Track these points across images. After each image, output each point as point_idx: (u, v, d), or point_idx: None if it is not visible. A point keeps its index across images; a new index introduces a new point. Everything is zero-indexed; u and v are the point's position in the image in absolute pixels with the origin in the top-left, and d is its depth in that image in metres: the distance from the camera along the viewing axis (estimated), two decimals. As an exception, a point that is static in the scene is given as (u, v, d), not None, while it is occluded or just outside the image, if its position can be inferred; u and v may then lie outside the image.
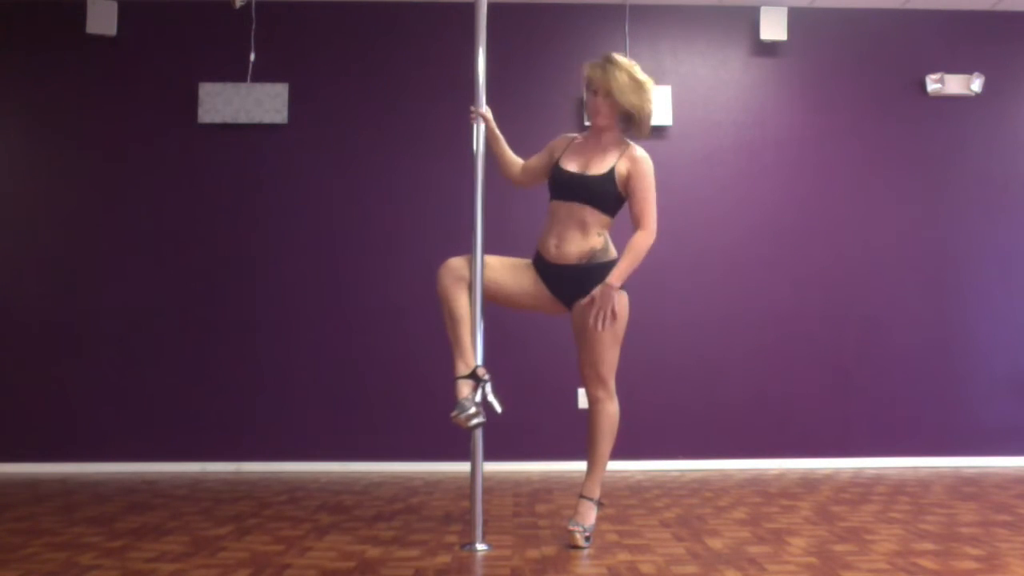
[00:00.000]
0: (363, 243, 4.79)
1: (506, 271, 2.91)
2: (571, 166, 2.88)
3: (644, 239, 2.81)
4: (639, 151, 2.85)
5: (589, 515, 2.80)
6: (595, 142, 2.90)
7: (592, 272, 2.80)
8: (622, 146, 2.87)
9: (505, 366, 4.51)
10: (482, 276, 2.84)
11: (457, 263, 2.86)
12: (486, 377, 2.76)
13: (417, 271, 4.67)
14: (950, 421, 4.78)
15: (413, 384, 4.64)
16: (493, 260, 2.91)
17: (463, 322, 2.80)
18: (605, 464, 2.87)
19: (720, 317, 4.79)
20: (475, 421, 2.68)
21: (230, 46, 4.81)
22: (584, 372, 2.86)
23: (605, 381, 2.84)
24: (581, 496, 2.84)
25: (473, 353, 2.79)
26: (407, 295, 4.69)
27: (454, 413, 2.70)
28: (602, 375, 2.83)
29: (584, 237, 2.81)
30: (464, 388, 2.74)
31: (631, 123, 2.87)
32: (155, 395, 4.66)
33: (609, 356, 2.82)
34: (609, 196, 2.82)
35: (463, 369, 2.76)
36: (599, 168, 2.84)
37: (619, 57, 2.85)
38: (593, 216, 2.82)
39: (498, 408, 2.73)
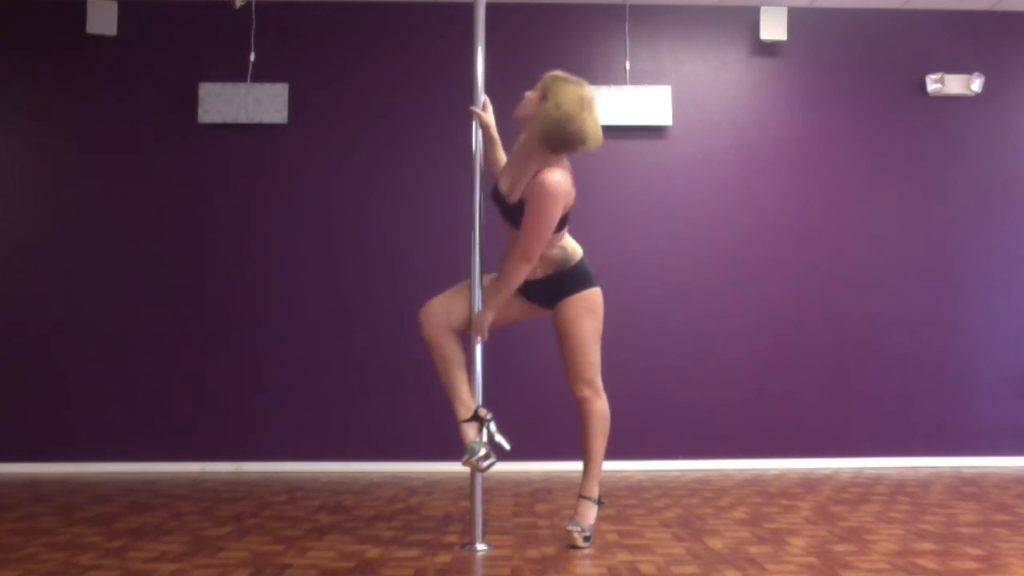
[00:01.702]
0: (363, 243, 4.79)
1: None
2: (502, 183, 2.80)
3: (510, 263, 2.70)
4: (546, 175, 2.62)
5: (588, 515, 2.80)
6: (524, 154, 2.74)
7: (562, 278, 2.81)
8: (538, 168, 2.67)
9: (505, 366, 4.52)
10: (459, 324, 2.80)
11: (438, 311, 2.80)
12: (489, 416, 2.73)
13: (417, 271, 4.68)
14: (950, 421, 4.78)
15: (413, 384, 4.64)
16: (467, 297, 2.83)
17: (456, 363, 2.77)
18: (600, 462, 2.87)
19: (720, 317, 4.79)
20: (488, 463, 2.66)
21: (230, 46, 4.81)
22: (568, 374, 2.86)
23: (590, 380, 2.84)
24: (580, 496, 2.84)
25: (471, 394, 2.76)
26: (407, 294, 4.66)
27: (465, 458, 2.67)
28: (586, 375, 2.83)
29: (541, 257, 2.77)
30: (469, 431, 2.71)
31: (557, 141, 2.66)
32: (155, 395, 4.66)
33: (590, 355, 2.83)
34: None
35: (464, 413, 2.74)
36: (516, 194, 2.72)
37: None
38: None
39: (506, 445, 2.70)
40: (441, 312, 2.81)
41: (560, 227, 2.76)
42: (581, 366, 2.82)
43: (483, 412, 2.74)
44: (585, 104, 2.64)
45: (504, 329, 4.38)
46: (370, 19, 4.90)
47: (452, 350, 2.79)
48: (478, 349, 2.79)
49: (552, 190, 2.62)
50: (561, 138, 2.62)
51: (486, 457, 2.66)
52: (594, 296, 2.83)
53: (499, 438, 2.72)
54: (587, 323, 2.81)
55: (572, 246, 2.85)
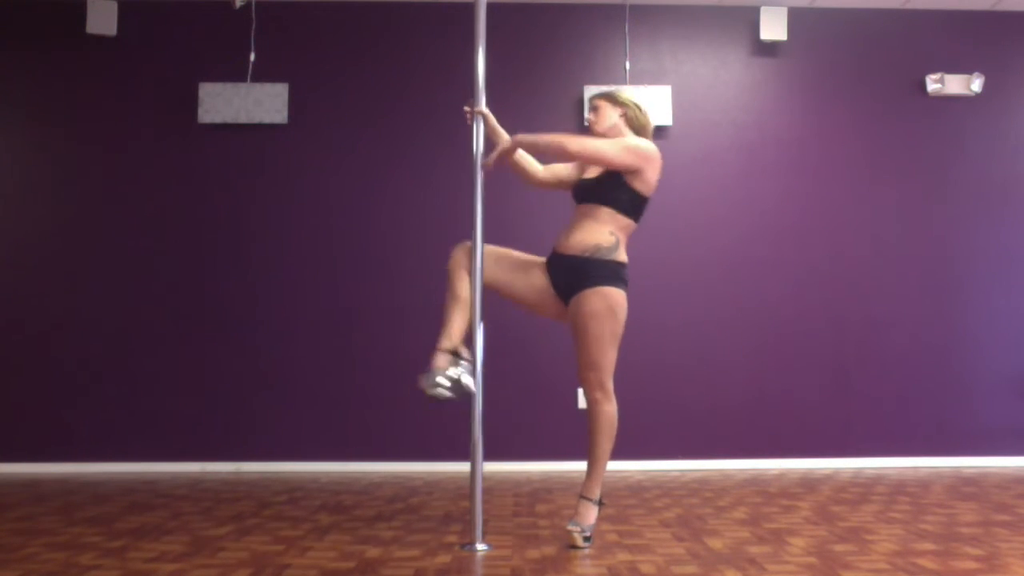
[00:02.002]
0: (363, 243, 4.79)
1: (516, 266, 2.93)
2: (589, 173, 3.00)
3: (561, 134, 2.87)
4: (632, 135, 2.95)
5: (589, 515, 2.80)
6: None
7: (593, 265, 2.80)
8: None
9: (505, 366, 4.52)
10: (483, 274, 2.85)
11: (468, 252, 2.88)
12: (466, 356, 2.75)
13: (417, 271, 4.68)
14: (950, 421, 4.78)
15: (413, 384, 4.62)
16: (504, 256, 2.94)
17: (461, 303, 2.82)
18: (605, 464, 2.86)
19: (720, 317, 4.79)
20: (438, 391, 2.67)
21: (230, 46, 4.81)
22: (582, 374, 2.85)
23: (603, 382, 2.82)
24: (581, 496, 2.83)
25: (461, 335, 2.80)
26: (407, 295, 4.69)
27: (422, 377, 2.71)
28: (600, 377, 2.81)
29: (594, 231, 2.84)
30: (441, 359, 2.75)
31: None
32: (155, 395, 4.66)
33: (607, 358, 2.81)
34: (611, 189, 2.85)
35: (446, 343, 2.78)
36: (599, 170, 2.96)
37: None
38: (605, 213, 2.85)
39: (472, 389, 2.72)
40: (470, 253, 2.86)
41: (634, 213, 2.88)
42: (595, 366, 2.80)
43: (464, 352, 2.75)
44: None
45: (505, 329, 4.39)
46: (370, 19, 4.91)
47: (463, 289, 2.83)
48: (479, 349, 2.80)
49: (641, 142, 2.86)
50: (646, 125, 2.99)
51: (439, 387, 2.67)
52: (617, 296, 2.80)
53: (467, 380, 2.72)
54: (606, 323, 2.78)
55: (622, 250, 2.86)
